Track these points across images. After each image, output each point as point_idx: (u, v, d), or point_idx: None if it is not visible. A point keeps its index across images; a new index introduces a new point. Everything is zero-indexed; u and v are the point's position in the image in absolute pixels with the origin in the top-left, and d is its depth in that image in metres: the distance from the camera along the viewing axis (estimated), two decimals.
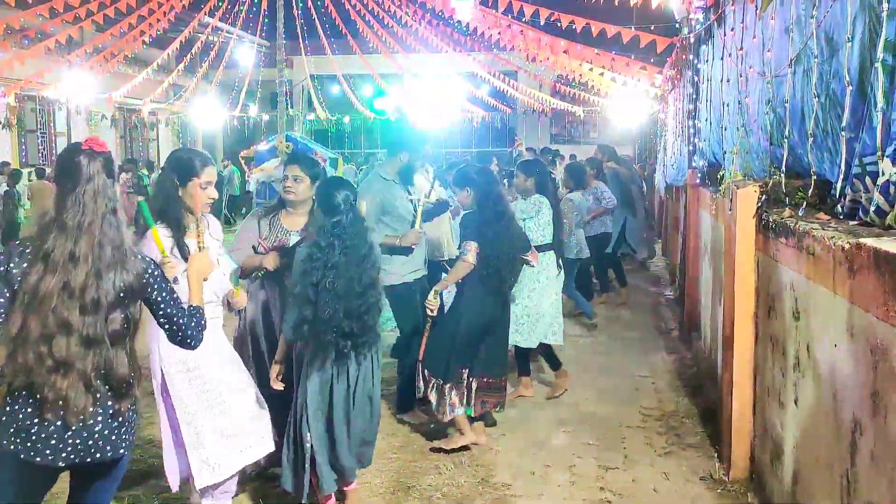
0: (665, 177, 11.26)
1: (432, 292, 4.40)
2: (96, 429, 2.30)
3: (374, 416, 3.62)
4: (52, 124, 18.55)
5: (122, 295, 2.30)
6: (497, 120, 24.22)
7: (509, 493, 3.98)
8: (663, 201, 12.96)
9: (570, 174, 7.72)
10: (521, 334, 5.25)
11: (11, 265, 2.23)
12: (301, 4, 16.83)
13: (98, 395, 2.28)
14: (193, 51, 18.21)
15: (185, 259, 3.02)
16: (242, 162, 14.96)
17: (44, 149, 18.18)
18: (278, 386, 3.55)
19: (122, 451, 2.39)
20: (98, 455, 2.32)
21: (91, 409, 2.27)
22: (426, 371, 4.38)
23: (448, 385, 4.34)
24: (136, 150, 21.66)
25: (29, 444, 2.23)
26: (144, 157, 20.91)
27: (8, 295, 2.22)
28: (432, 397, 4.36)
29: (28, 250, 2.25)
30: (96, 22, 13.16)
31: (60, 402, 2.22)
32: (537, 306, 5.27)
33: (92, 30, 14.85)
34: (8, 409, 2.24)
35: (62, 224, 2.23)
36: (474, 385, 4.44)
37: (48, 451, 2.24)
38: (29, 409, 2.23)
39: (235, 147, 22.58)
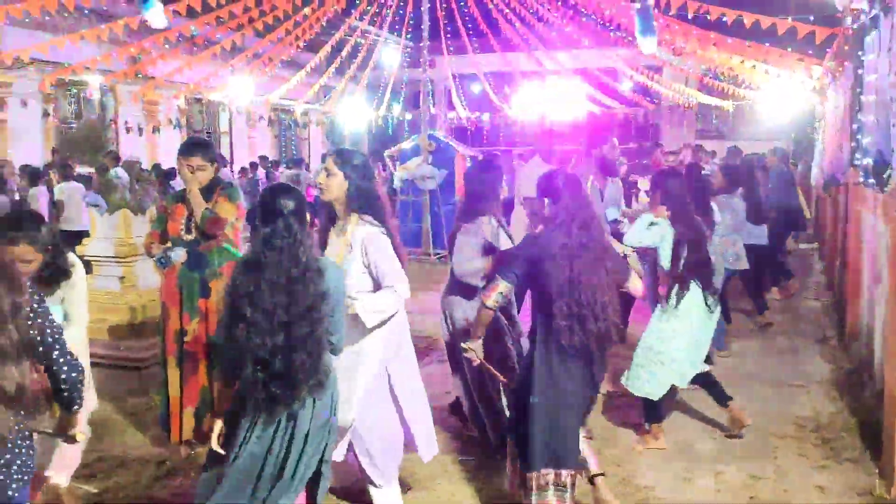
0: (823, 174, 10.61)
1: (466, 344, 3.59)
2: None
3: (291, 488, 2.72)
4: (216, 125, 20.04)
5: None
6: (640, 116, 23.64)
7: (653, 495, 3.96)
8: (821, 200, 12.21)
9: (727, 174, 6.79)
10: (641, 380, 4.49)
11: None
12: (444, 6, 17.19)
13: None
14: (343, 53, 19.03)
15: None
16: (388, 161, 15.49)
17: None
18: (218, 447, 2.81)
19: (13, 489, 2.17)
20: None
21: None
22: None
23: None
24: (290, 149, 22.96)
25: None
26: (298, 155, 22.14)
27: None
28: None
29: None
30: (256, 28, 14.06)
31: None
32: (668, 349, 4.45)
33: (252, 36, 15.88)
34: None
35: None
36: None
37: None
38: None
39: (380, 145, 23.38)
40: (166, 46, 13.98)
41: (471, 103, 24.70)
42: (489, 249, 4.12)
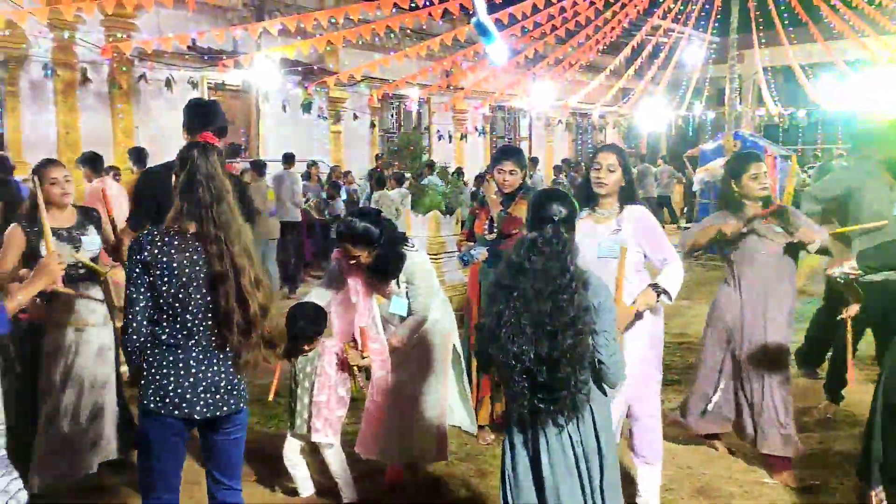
0: None
1: None
2: (233, 379, 2.61)
3: (604, 487, 2.63)
4: (516, 131, 20.95)
5: (246, 250, 2.58)
6: None
7: None
8: None
9: None
10: None
11: (146, 253, 2.52)
12: None
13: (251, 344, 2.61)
14: (644, 54, 18.74)
15: None
16: (686, 162, 14.95)
17: None
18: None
19: (242, 402, 2.65)
20: (233, 404, 2.62)
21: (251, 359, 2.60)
22: None
23: None
24: (585, 153, 23.16)
25: (169, 401, 2.52)
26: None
27: (148, 280, 2.52)
28: None
29: (158, 237, 2.54)
30: (558, 35, 14.44)
31: (219, 357, 2.56)
32: None
33: (554, 43, 16.31)
34: (152, 372, 2.55)
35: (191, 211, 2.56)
36: None
37: (202, 405, 2.55)
38: (165, 370, 2.54)
39: (679, 146, 22.60)
40: (475, 59, 14.96)
41: (785, 98, 22.79)
42: None
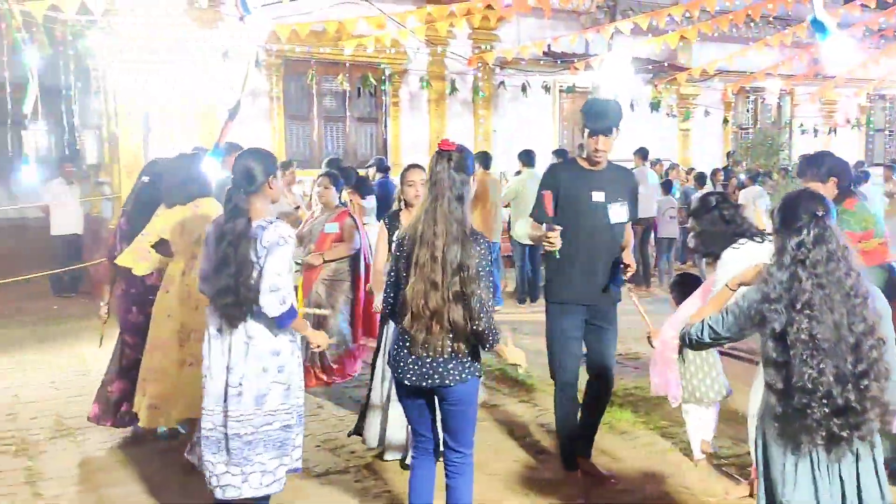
0: None
1: None
2: (440, 360, 2.93)
3: None
4: None
5: (459, 264, 2.82)
6: None
7: None
8: None
9: None
10: None
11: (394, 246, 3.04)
12: None
13: (447, 336, 2.89)
14: None
15: None
16: None
17: (891, 147, 18.05)
18: None
19: (448, 381, 2.94)
20: (438, 380, 2.95)
21: (440, 347, 2.89)
22: None
23: None
24: None
25: (394, 365, 3.04)
26: None
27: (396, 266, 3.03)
28: None
29: (409, 232, 2.98)
30: None
31: (424, 340, 2.89)
32: None
33: None
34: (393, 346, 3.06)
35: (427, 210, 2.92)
36: None
37: (411, 375, 2.98)
38: (398, 344, 3.03)
39: None
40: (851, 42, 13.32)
41: None
42: None
